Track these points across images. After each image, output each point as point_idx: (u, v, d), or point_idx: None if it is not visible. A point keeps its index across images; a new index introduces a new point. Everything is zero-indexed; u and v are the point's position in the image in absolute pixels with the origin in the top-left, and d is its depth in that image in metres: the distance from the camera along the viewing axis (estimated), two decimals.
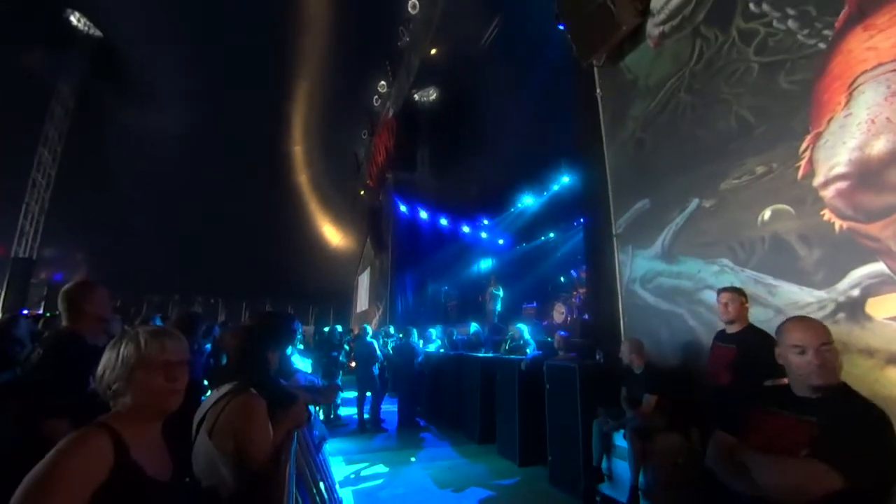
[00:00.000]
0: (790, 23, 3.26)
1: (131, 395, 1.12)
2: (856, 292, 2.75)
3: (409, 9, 12.07)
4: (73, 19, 16.19)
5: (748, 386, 2.54)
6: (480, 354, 6.91)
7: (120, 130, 16.97)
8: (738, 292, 2.87)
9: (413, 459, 5.35)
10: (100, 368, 1.15)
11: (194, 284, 19.81)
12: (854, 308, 2.74)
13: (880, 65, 2.71)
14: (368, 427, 6.85)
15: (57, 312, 2.19)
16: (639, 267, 4.59)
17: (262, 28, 14.60)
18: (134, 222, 17.46)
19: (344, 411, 7.82)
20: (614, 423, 3.79)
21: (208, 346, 3.73)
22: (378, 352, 7.28)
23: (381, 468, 4.99)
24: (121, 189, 17.18)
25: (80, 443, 1.01)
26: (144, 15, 14.36)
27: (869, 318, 2.67)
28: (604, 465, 3.86)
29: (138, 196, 17.36)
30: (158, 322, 4.34)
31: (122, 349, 1.15)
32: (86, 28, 16.43)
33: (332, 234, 22.21)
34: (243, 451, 1.43)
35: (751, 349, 2.67)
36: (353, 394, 7.41)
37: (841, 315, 2.81)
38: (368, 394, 7.07)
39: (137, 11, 14.30)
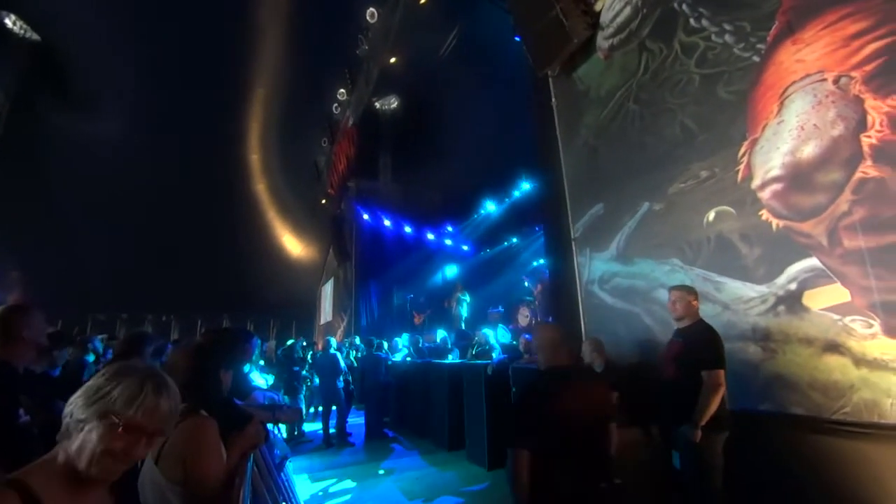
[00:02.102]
0: (727, 37, 3.49)
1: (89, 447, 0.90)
2: (793, 286, 2.94)
3: (368, 17, 12.02)
4: (9, 22, 15.17)
5: (687, 377, 2.66)
6: (447, 361, 6.89)
7: (60, 138, 15.88)
8: (685, 290, 2.98)
9: (381, 472, 5.24)
10: (81, 390, 0.94)
11: (144, 301, 18.68)
12: (792, 301, 2.94)
13: (807, 76, 2.94)
14: (334, 442, 6.66)
15: None
16: (596, 269, 4.73)
17: (216, 32, 14.13)
18: (76, 236, 16.30)
19: (309, 427, 7.57)
20: None
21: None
22: (342, 364, 7.11)
23: (348, 483, 4.85)
24: (61, 201, 16.03)
25: None
26: (88, 18, 13.57)
27: (806, 309, 2.87)
28: None
29: (81, 208, 16.25)
30: (98, 344, 4.03)
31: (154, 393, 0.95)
32: (22, 31, 15.40)
33: (293, 245, 21.62)
34: (193, 477, 1.34)
35: (694, 343, 2.80)
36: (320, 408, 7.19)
37: (781, 307, 3.00)
38: (334, 408, 6.88)
39: (79, 14, 13.50)
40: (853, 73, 2.70)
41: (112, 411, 0.91)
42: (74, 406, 0.93)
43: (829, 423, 2.64)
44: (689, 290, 2.97)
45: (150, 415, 0.95)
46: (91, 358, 3.80)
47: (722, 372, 2.63)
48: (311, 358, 8.16)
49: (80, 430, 0.90)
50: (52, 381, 3.08)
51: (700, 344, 2.76)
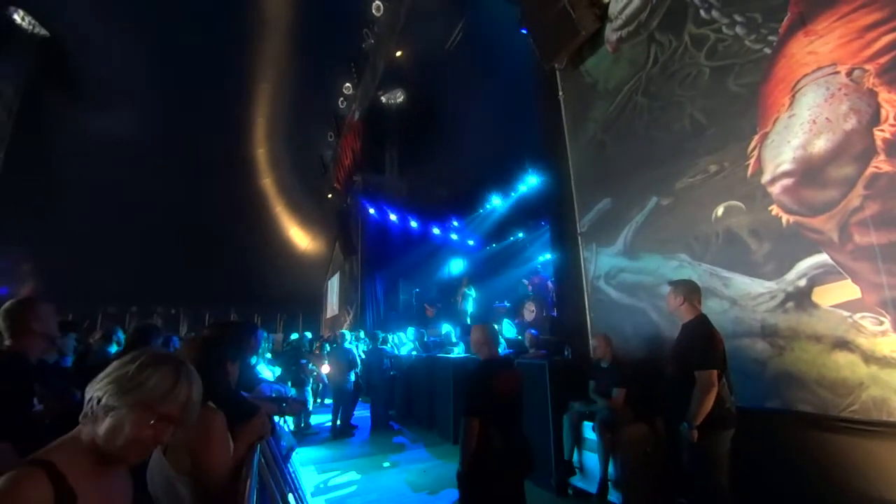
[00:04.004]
0: (738, 29, 3.43)
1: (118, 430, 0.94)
2: (802, 282, 2.91)
3: (374, 11, 11.96)
4: (17, 17, 15.23)
5: (682, 374, 2.64)
6: (452, 355, 6.91)
7: (69, 134, 15.97)
8: (673, 285, 2.91)
9: (387, 464, 5.28)
10: (111, 377, 0.96)
11: (153, 295, 18.90)
12: (801, 297, 2.91)
13: (820, 68, 2.88)
14: (340, 434, 6.72)
15: None
16: (603, 264, 4.71)
17: (221, 28, 14.14)
18: (86, 231, 16.46)
19: (316, 419, 7.65)
20: (584, 407, 3.91)
21: None
22: (357, 359, 7.16)
23: (353, 475, 4.90)
24: (71, 196, 16.19)
25: (10, 493, 0.81)
26: (95, 13, 13.62)
27: (815, 306, 2.83)
28: (575, 458, 3.93)
29: (90, 203, 16.39)
30: (121, 335, 4.10)
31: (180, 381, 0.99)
32: (31, 27, 15.47)
33: (300, 239, 21.69)
34: (201, 468, 1.36)
35: (688, 340, 2.76)
36: (326, 400, 7.24)
37: (790, 304, 2.97)
38: None
39: (88, 10, 13.55)
40: (867, 66, 2.64)
41: (148, 403, 0.95)
42: (105, 392, 0.95)
43: (838, 420, 2.62)
44: (677, 288, 2.88)
45: (183, 407, 1.01)
46: (114, 349, 3.88)
47: (714, 372, 2.53)
48: (327, 350, 8.21)
49: (111, 415, 0.93)
50: (65, 371, 3.14)
51: (692, 342, 2.71)
